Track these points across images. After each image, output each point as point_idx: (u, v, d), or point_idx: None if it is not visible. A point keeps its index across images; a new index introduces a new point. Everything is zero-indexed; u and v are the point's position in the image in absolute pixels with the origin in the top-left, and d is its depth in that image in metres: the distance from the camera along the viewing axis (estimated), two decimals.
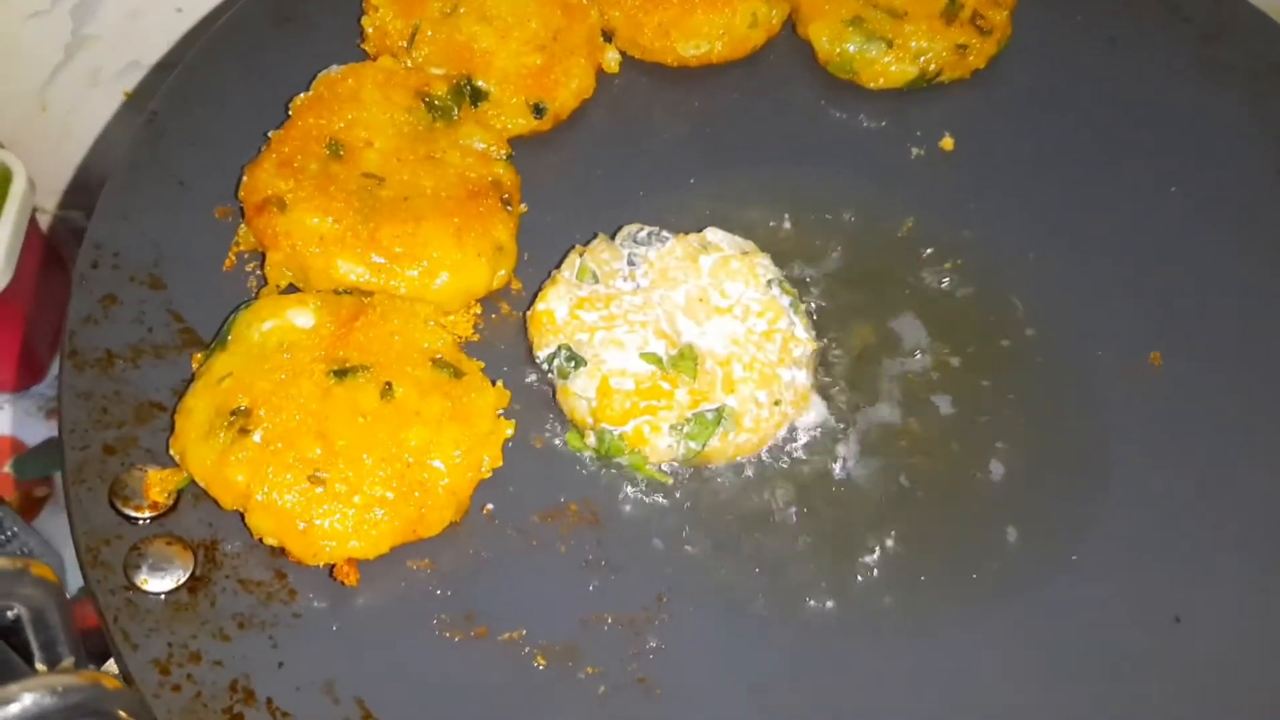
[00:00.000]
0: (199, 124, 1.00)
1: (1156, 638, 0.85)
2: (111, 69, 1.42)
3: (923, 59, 1.08)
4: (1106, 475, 0.92)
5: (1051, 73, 1.13)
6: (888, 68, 1.09)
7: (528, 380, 0.93)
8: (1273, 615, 0.86)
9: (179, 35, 1.37)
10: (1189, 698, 0.83)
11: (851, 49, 1.09)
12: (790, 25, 1.14)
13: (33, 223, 1.37)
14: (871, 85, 1.10)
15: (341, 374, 0.83)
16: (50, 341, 1.45)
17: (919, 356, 0.97)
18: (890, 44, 1.08)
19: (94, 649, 0.81)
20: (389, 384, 0.83)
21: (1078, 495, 0.91)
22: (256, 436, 0.80)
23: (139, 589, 0.78)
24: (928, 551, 0.88)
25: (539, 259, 0.98)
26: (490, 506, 0.87)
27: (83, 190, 1.51)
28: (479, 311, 0.96)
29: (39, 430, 1.48)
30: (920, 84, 1.10)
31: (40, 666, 0.73)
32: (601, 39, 1.08)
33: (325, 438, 0.80)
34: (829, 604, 0.85)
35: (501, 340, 0.95)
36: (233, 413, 0.81)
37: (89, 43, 1.39)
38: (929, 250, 1.02)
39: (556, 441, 0.91)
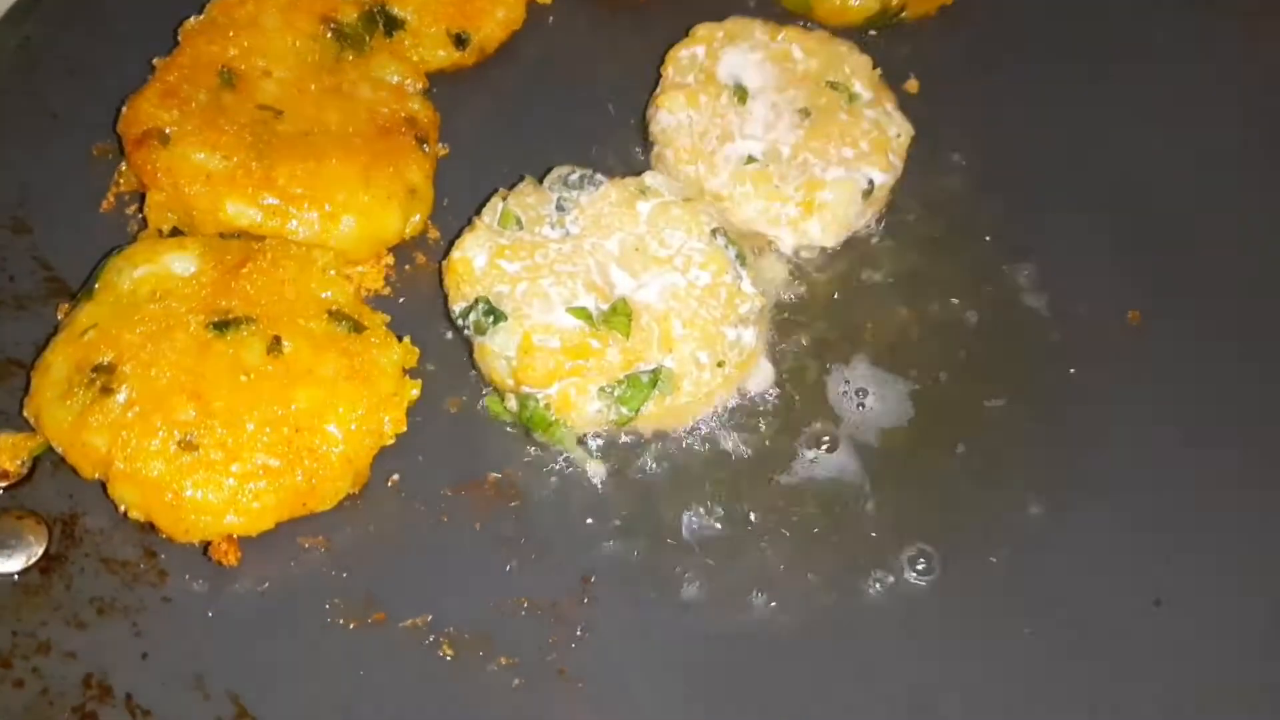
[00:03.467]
0: (78, 51, 0.91)
1: (1138, 620, 0.77)
2: None
3: None
4: (1079, 449, 0.83)
5: (1026, 9, 1.04)
6: (847, 2, 1.00)
7: (445, 338, 0.84)
8: (1250, 597, 0.78)
9: None
10: (1170, 679, 0.76)
11: None
12: None
13: None
14: (828, 21, 1.01)
15: (222, 326, 0.74)
16: None
17: (868, 313, 0.88)
18: None
19: None
20: (277, 338, 0.74)
21: (1047, 474, 0.83)
22: (120, 396, 0.70)
23: None
24: (883, 533, 0.80)
25: (459, 205, 0.89)
26: (396, 477, 0.78)
27: None
28: (391, 262, 0.87)
29: None
30: (882, 21, 1.01)
31: None
32: None
33: (200, 398, 0.71)
34: (767, 592, 0.77)
35: (416, 294, 0.86)
36: (94, 369, 0.71)
37: None
38: (892, 199, 0.93)
39: (475, 406, 0.82)
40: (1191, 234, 0.94)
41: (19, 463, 0.72)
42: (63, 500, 0.73)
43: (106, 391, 0.70)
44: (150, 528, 0.71)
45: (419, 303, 0.86)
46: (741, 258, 0.86)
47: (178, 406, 0.70)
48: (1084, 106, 1.00)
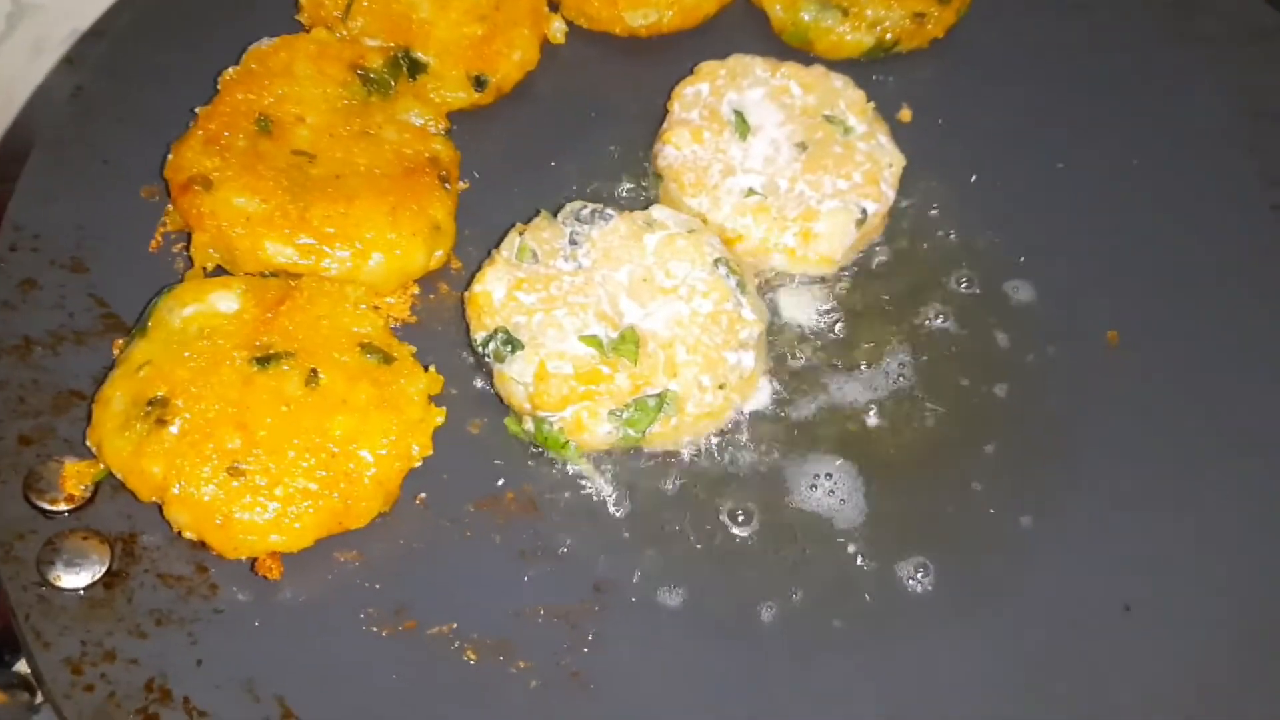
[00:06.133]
0: (126, 99, 0.97)
1: (1107, 626, 0.83)
2: (56, 38, 1.38)
3: (879, 28, 1.05)
4: (1059, 462, 0.89)
5: (1013, 42, 1.10)
6: (843, 37, 1.06)
7: (467, 363, 0.90)
8: (1217, 602, 0.84)
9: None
10: (1138, 685, 0.81)
11: (806, 17, 1.06)
12: None
13: None
14: (827, 55, 1.06)
15: (264, 361, 0.80)
16: None
17: (863, 334, 0.94)
18: (846, 12, 1.05)
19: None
20: (314, 371, 0.81)
21: (1029, 485, 0.88)
22: (174, 427, 0.77)
23: (53, 585, 0.76)
24: (873, 546, 0.85)
25: (480, 237, 0.95)
26: (423, 495, 0.84)
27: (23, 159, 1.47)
28: (416, 292, 0.93)
29: None
30: (877, 54, 1.07)
31: None
32: (546, 8, 1.05)
33: (245, 428, 0.78)
34: (773, 601, 0.82)
35: (439, 321, 0.92)
36: (150, 402, 0.78)
37: (31, 13, 1.35)
38: (885, 225, 0.99)
39: (495, 426, 0.88)
40: (1172, 256, 0.99)
41: (83, 488, 0.79)
42: (122, 521, 0.79)
43: (161, 423, 0.77)
44: (202, 546, 0.78)
45: (443, 330, 0.92)
46: (742, 285, 0.92)
47: (225, 436, 0.77)
48: (1066, 132, 1.05)
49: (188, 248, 0.90)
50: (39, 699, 0.74)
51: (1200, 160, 1.04)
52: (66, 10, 1.36)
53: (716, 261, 0.91)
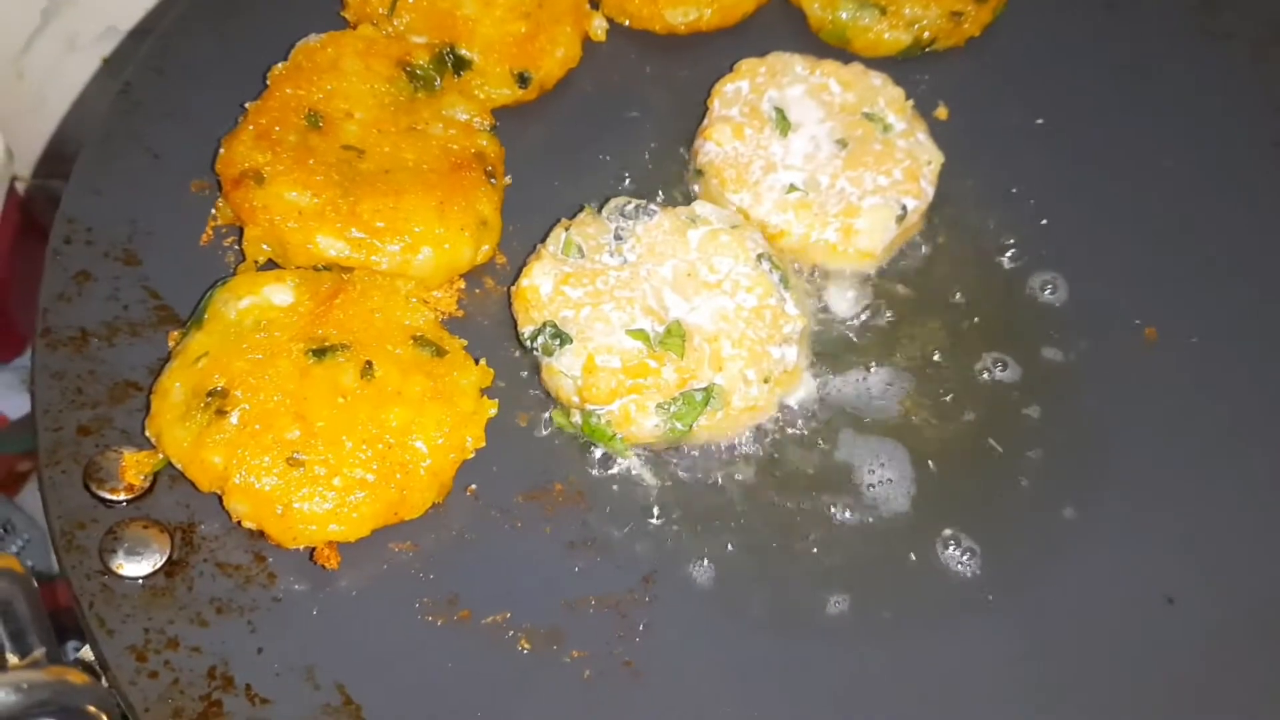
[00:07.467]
0: (174, 95, 0.98)
1: (1149, 619, 0.84)
2: (89, 34, 1.39)
3: (917, 26, 1.06)
4: (1100, 456, 0.90)
5: (1048, 40, 1.11)
6: (881, 35, 1.06)
7: (513, 356, 0.91)
8: (1262, 596, 0.85)
9: None
10: (1181, 679, 0.82)
11: (844, 16, 1.06)
12: None
13: (10, 191, 1.34)
14: (864, 53, 1.07)
15: (320, 353, 0.81)
16: (31, 312, 1.43)
17: (903, 329, 0.95)
18: (883, 11, 1.06)
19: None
20: (369, 363, 0.82)
21: (1071, 478, 0.89)
22: (234, 418, 0.78)
23: (115, 574, 0.77)
24: (919, 537, 0.86)
25: (524, 232, 0.96)
26: (474, 486, 0.85)
27: (61, 158, 1.48)
28: (462, 287, 0.94)
29: (21, 403, 1.46)
30: (914, 52, 1.08)
31: (11, 658, 0.72)
32: (588, 6, 1.06)
33: (304, 419, 0.79)
34: (821, 591, 0.84)
35: (485, 316, 0.93)
36: (209, 393, 0.79)
37: (65, 8, 1.36)
38: (924, 222, 1.00)
39: (542, 419, 0.89)
40: (1209, 253, 1.00)
41: (143, 478, 0.80)
42: (181, 510, 0.80)
43: (221, 414, 0.78)
44: (260, 534, 0.79)
45: (489, 324, 0.92)
46: (785, 281, 0.93)
47: (284, 427, 0.78)
48: (1101, 130, 1.06)
49: (238, 241, 0.91)
50: (103, 684, 0.75)
51: (1236, 159, 1.05)
52: (100, 6, 1.37)
53: (759, 257, 0.92)
